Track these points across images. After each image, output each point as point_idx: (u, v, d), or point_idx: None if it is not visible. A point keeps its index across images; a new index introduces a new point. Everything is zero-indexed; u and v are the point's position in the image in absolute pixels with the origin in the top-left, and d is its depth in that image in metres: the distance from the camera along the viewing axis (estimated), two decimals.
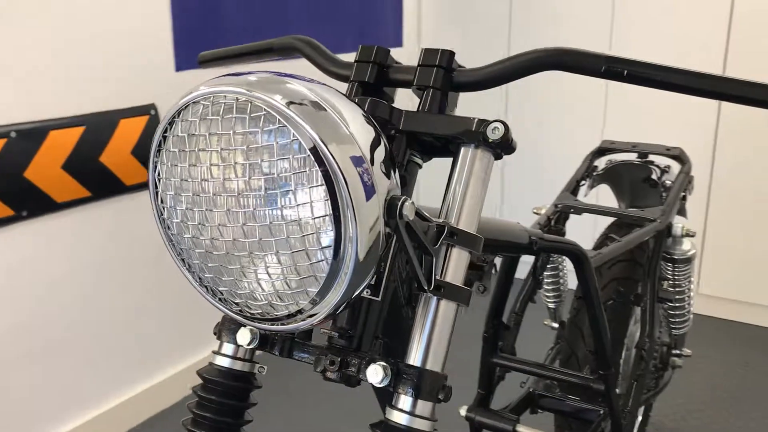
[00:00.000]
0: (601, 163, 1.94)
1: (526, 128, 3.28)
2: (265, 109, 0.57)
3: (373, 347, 0.76)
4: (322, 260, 0.58)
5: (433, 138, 0.75)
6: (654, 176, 1.85)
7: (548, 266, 1.77)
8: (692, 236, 1.72)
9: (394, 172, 0.65)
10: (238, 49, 1.03)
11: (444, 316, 0.71)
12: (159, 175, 0.64)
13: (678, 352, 1.92)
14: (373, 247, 0.59)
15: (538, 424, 1.49)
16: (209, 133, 0.59)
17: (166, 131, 0.63)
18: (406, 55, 3.38)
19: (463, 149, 0.74)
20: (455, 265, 0.71)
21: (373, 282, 0.76)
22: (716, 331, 2.97)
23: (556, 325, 1.89)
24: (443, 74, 0.77)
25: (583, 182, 1.87)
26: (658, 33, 2.91)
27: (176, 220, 0.64)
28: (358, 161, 0.58)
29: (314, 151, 0.56)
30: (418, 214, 0.66)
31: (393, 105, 0.77)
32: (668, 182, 1.83)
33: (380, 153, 0.63)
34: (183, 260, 0.67)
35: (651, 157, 1.92)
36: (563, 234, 1.76)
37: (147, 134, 2.16)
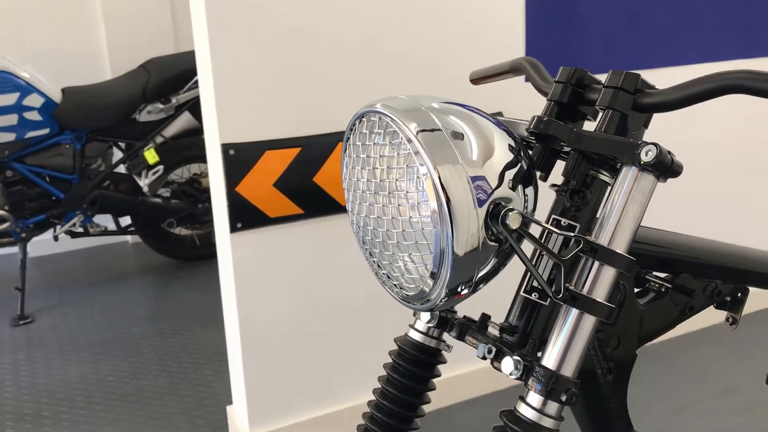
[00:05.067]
0: None
1: None
2: (401, 135, 0.71)
3: (531, 345, 0.83)
4: (429, 253, 0.70)
5: (599, 156, 0.79)
6: None
7: None
8: None
9: (525, 188, 0.72)
10: (498, 68, 1.15)
11: (580, 325, 0.75)
12: (344, 175, 0.82)
13: None
14: (474, 249, 0.69)
15: None
16: (362, 143, 0.75)
17: (348, 138, 0.80)
18: None
19: (624, 169, 0.76)
20: (596, 280, 0.75)
21: (539, 287, 0.84)
22: None
23: None
24: (622, 95, 0.80)
25: None
26: None
27: (354, 211, 0.81)
28: (472, 179, 0.69)
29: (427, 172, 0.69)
30: (536, 223, 0.72)
31: (573, 124, 0.83)
32: None
33: (512, 172, 0.71)
34: (366, 248, 0.84)
35: None
36: None
37: None
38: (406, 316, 2.42)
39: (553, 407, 0.75)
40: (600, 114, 0.81)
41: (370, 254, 0.83)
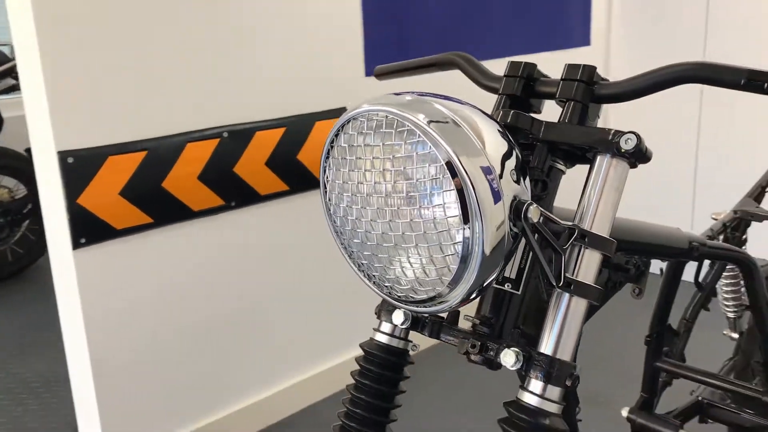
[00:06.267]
0: None
1: (716, 128, 3.11)
2: (408, 125, 0.68)
3: (512, 335, 0.84)
4: (453, 254, 0.68)
5: (571, 147, 0.82)
6: None
7: (726, 274, 1.72)
8: None
9: (524, 179, 0.73)
10: (407, 64, 1.15)
11: (574, 310, 0.78)
12: (327, 177, 0.77)
13: None
14: (498, 245, 0.68)
15: None
16: (365, 144, 0.71)
17: (332, 141, 0.76)
18: (593, 54, 3.35)
19: (598, 158, 0.80)
20: (586, 265, 0.78)
21: (514, 277, 0.85)
22: None
23: (735, 335, 1.83)
24: (584, 88, 0.83)
25: None
26: None
27: (339, 215, 0.77)
28: (487, 170, 0.67)
29: (448, 162, 0.66)
30: (549, 216, 0.73)
31: (535, 116, 0.85)
32: None
33: (511, 163, 0.71)
34: (345, 248, 0.79)
35: None
36: (744, 242, 1.70)
37: None
38: (273, 332, 2.40)
39: (555, 392, 0.77)
40: (563, 105, 0.84)
41: (354, 260, 0.79)
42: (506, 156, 0.71)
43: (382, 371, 0.91)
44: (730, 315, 1.80)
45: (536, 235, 0.74)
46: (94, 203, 1.85)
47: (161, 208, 1.98)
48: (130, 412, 2.02)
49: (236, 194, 2.15)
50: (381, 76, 1.22)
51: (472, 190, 0.65)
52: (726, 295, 1.76)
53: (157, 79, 1.93)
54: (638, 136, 0.77)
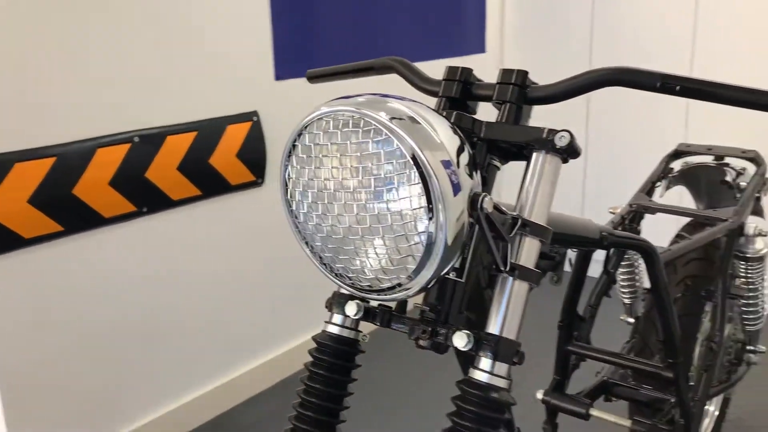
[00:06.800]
0: (678, 165, 2.02)
1: (606, 132, 3.34)
2: (374, 124, 0.73)
3: (458, 320, 0.91)
4: (418, 243, 0.74)
5: (509, 144, 0.90)
6: (729, 178, 1.92)
7: (623, 263, 1.86)
8: (765, 236, 1.78)
9: (476, 173, 0.79)
10: (342, 68, 1.20)
11: (518, 293, 0.85)
12: (289, 175, 0.81)
13: (752, 348, 1.98)
14: (458, 234, 0.74)
15: (610, 411, 1.60)
16: (330, 142, 0.75)
17: (295, 141, 0.79)
18: (489, 60, 3.51)
19: (535, 154, 0.88)
20: (527, 251, 0.85)
21: (458, 266, 0.91)
22: None
23: (631, 320, 1.98)
24: (518, 91, 0.91)
25: (659, 183, 1.96)
26: (739, 45, 2.93)
27: (303, 211, 0.81)
28: (447, 164, 0.74)
29: (413, 157, 0.71)
30: (496, 207, 0.80)
31: (475, 116, 0.92)
32: (743, 184, 1.89)
33: (464, 157, 0.78)
34: (307, 243, 0.83)
35: (727, 160, 1.98)
36: (639, 232, 1.85)
37: (250, 138, 2.38)
38: (183, 340, 2.38)
39: (503, 368, 0.84)
40: (500, 107, 0.92)
41: (321, 251, 0.83)
42: (460, 151, 0.78)
43: (334, 360, 0.95)
44: (627, 301, 1.95)
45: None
46: (1, 212, 1.77)
47: (72, 216, 1.93)
48: (38, 424, 1.95)
49: (148, 200, 2.12)
50: (313, 79, 1.26)
51: (436, 182, 0.71)
52: (623, 283, 1.92)
53: (63, 82, 1.88)
54: (571, 134, 0.85)
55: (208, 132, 2.25)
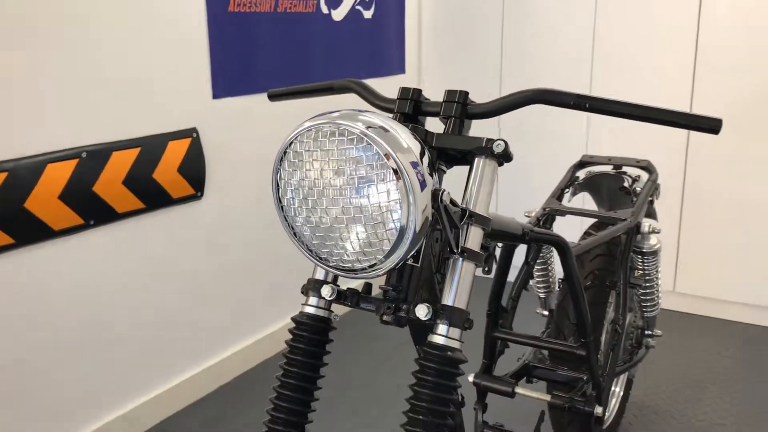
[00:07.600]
0: (582, 174, 2.29)
1: (520, 145, 3.63)
2: (355, 134, 0.91)
3: (417, 297, 1.09)
4: (392, 228, 0.92)
5: (455, 152, 1.10)
6: (626, 184, 2.20)
7: (539, 261, 2.11)
8: (657, 233, 2.07)
9: (435, 173, 0.99)
10: (302, 88, 1.37)
11: (466, 271, 1.04)
12: (281, 177, 0.98)
13: (650, 332, 2.26)
14: (424, 223, 0.93)
15: (532, 389, 1.82)
16: (320, 149, 0.93)
17: (286, 148, 0.97)
18: (407, 80, 3.75)
19: (477, 159, 1.08)
20: (473, 237, 1.05)
21: (415, 254, 1.10)
22: (691, 326, 3.31)
23: (546, 312, 2.23)
24: (461, 108, 1.11)
25: (567, 190, 2.22)
26: (634, 65, 3.28)
27: (294, 206, 0.98)
28: (414, 164, 0.92)
29: (387, 157, 0.90)
30: (452, 201, 1.00)
31: (426, 129, 1.11)
32: (638, 189, 2.17)
33: (425, 160, 0.97)
34: (295, 234, 1.00)
35: (624, 168, 2.27)
36: None
37: (190, 154, 2.50)
38: (122, 350, 2.46)
39: (456, 332, 1.03)
40: (446, 121, 1.12)
41: (309, 240, 1.00)
42: (422, 154, 0.97)
43: (311, 335, 1.12)
44: (542, 295, 2.20)
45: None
46: None
47: (23, 228, 2.00)
48: None
49: (95, 213, 2.21)
50: (274, 97, 1.43)
51: (408, 179, 0.90)
52: (538, 279, 2.16)
53: (15, 99, 1.96)
54: (506, 142, 1.06)
55: (151, 148, 2.36)
